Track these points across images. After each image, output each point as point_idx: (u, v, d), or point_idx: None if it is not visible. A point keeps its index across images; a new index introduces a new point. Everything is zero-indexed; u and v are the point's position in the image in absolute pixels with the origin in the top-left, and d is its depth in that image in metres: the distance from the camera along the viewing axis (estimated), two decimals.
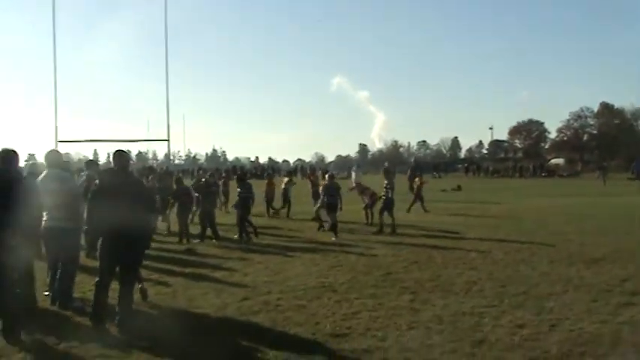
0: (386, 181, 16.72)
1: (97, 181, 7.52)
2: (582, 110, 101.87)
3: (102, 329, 6.91)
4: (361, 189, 19.21)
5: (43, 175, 8.21)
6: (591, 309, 7.63)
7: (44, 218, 7.97)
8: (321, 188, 16.89)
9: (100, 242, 7.20)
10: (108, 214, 6.87)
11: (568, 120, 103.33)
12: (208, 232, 14.88)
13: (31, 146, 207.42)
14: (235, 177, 17.16)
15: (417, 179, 23.81)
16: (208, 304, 8.23)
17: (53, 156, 8.53)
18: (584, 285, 9.04)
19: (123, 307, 7.12)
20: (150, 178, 17.15)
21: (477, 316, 7.36)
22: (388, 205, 16.24)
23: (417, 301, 8.18)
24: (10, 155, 7.05)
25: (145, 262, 11.35)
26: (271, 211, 21.88)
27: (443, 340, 6.40)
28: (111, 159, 8.35)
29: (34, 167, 9.30)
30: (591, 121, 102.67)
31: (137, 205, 7.04)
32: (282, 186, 22.11)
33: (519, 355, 5.89)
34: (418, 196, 22.54)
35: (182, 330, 6.95)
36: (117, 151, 7.58)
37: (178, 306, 8.20)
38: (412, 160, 55.24)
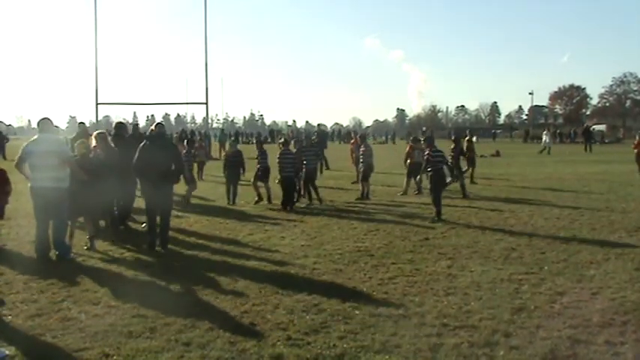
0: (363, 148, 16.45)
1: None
2: (626, 76, 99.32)
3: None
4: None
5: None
6: (634, 277, 7.48)
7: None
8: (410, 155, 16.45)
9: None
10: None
11: (611, 85, 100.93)
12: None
13: (72, 109, 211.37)
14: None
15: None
16: (244, 266, 8.29)
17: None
18: (626, 253, 8.86)
19: (163, 235, 9.51)
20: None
21: (516, 283, 7.28)
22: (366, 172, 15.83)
23: (454, 267, 8.12)
24: None
25: (184, 226, 11.50)
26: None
27: (481, 306, 6.35)
28: (151, 122, 9.95)
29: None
30: (635, 87, 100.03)
31: (164, 159, 9.39)
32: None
33: (559, 323, 5.79)
34: None
35: (217, 291, 7.03)
36: (117, 122, 10.69)
37: (215, 267, 8.28)
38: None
